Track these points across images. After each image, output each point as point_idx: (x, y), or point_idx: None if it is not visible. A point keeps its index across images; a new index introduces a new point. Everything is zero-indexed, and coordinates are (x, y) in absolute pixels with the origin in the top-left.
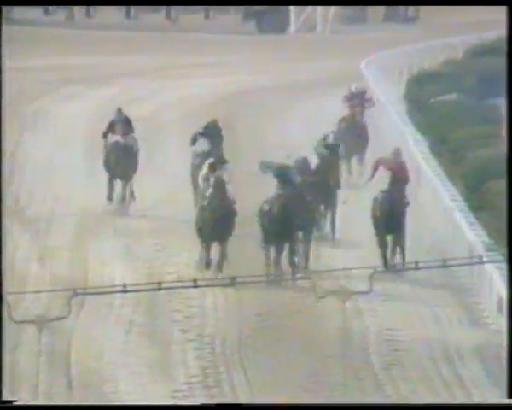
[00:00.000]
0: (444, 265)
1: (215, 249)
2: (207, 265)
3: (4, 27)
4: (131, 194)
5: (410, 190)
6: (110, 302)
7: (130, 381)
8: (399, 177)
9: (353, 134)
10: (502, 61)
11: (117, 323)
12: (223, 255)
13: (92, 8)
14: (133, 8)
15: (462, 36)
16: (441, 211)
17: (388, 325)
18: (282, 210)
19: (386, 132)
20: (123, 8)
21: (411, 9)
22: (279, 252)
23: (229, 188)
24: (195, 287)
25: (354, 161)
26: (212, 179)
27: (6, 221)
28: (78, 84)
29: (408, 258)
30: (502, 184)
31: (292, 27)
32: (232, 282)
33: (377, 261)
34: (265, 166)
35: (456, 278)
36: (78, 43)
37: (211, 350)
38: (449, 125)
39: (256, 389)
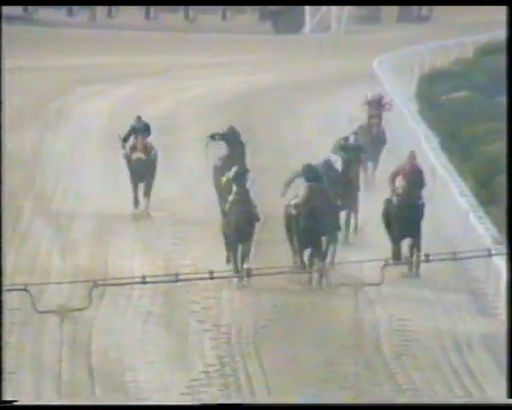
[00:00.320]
0: (454, 258)
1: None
2: (235, 269)
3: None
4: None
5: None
6: (129, 294)
7: (148, 370)
8: (415, 182)
9: (370, 139)
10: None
11: (136, 313)
12: (244, 257)
13: (114, 8)
14: (153, 9)
15: (473, 35)
16: (452, 205)
17: (399, 315)
18: (311, 214)
19: (398, 130)
20: (143, 9)
21: (424, 9)
22: (313, 256)
23: (252, 195)
24: (211, 279)
25: (370, 163)
26: (234, 187)
27: (30, 216)
28: (99, 83)
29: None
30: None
31: (307, 27)
32: (248, 274)
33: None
34: (287, 183)
35: (466, 271)
36: (99, 43)
37: (227, 340)
38: (459, 122)
39: (271, 378)
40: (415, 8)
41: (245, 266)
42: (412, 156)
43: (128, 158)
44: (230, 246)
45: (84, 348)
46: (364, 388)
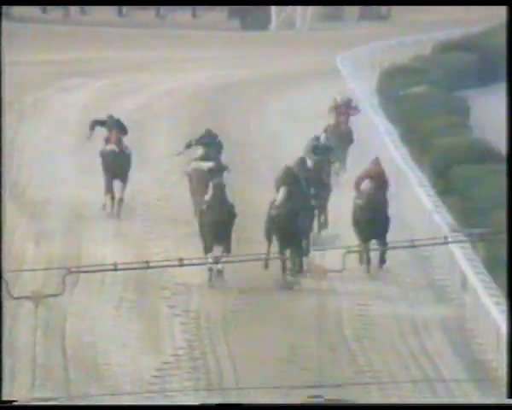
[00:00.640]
0: (412, 245)
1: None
2: (210, 268)
3: (4, 23)
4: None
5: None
6: (102, 280)
7: (121, 353)
8: (379, 183)
9: (338, 139)
10: (467, 56)
11: (108, 299)
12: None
13: (87, 6)
14: (125, 7)
15: (430, 33)
16: (411, 195)
17: (360, 301)
18: (291, 214)
19: (358, 122)
20: (116, 7)
21: (383, 9)
22: (295, 255)
23: (228, 192)
24: (181, 266)
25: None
26: (211, 184)
27: (5, 204)
28: (74, 77)
29: None
30: (466, 170)
31: (273, 25)
32: (216, 261)
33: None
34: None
35: (422, 258)
36: (73, 39)
37: (196, 325)
38: (418, 116)
39: (238, 361)
40: (373, 7)
41: (220, 266)
42: (377, 162)
43: (102, 153)
44: (209, 248)
45: (59, 333)
46: (327, 369)
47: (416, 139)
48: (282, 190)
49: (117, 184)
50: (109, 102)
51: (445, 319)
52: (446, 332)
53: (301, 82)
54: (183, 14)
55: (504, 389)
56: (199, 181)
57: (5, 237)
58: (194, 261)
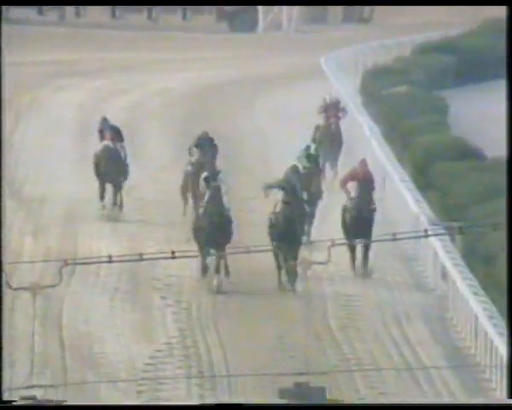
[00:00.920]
0: (394, 238)
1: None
2: (204, 270)
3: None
4: (121, 203)
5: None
6: (97, 272)
7: (115, 342)
8: (366, 186)
9: (328, 141)
10: (446, 58)
11: (103, 290)
12: (220, 261)
13: (81, 8)
14: (118, 9)
15: (411, 35)
16: (393, 191)
17: (345, 291)
18: (289, 220)
19: (342, 121)
20: (109, 9)
21: (366, 11)
22: (291, 259)
23: (224, 197)
24: (173, 258)
25: (327, 165)
26: (207, 191)
27: (3, 200)
28: (69, 77)
29: None
30: (445, 166)
31: (260, 26)
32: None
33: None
34: (268, 187)
35: (404, 250)
36: (68, 41)
37: (187, 315)
38: (400, 115)
39: (228, 349)
40: (357, 9)
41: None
42: (364, 164)
43: (95, 153)
44: (201, 248)
45: (56, 323)
46: (313, 357)
47: (397, 136)
48: (281, 196)
49: (111, 189)
50: (104, 101)
51: (425, 309)
52: (427, 322)
53: (287, 82)
54: (173, 16)
55: (482, 375)
56: (194, 182)
57: (4, 232)
58: (186, 254)
